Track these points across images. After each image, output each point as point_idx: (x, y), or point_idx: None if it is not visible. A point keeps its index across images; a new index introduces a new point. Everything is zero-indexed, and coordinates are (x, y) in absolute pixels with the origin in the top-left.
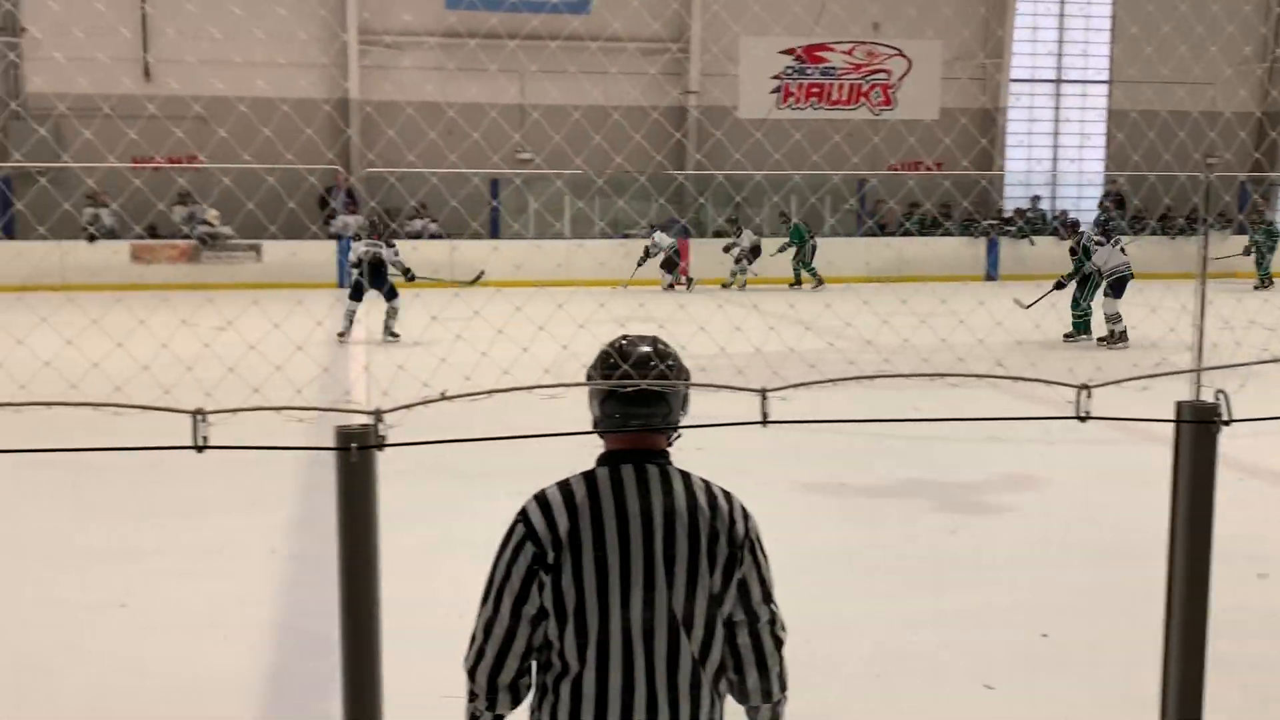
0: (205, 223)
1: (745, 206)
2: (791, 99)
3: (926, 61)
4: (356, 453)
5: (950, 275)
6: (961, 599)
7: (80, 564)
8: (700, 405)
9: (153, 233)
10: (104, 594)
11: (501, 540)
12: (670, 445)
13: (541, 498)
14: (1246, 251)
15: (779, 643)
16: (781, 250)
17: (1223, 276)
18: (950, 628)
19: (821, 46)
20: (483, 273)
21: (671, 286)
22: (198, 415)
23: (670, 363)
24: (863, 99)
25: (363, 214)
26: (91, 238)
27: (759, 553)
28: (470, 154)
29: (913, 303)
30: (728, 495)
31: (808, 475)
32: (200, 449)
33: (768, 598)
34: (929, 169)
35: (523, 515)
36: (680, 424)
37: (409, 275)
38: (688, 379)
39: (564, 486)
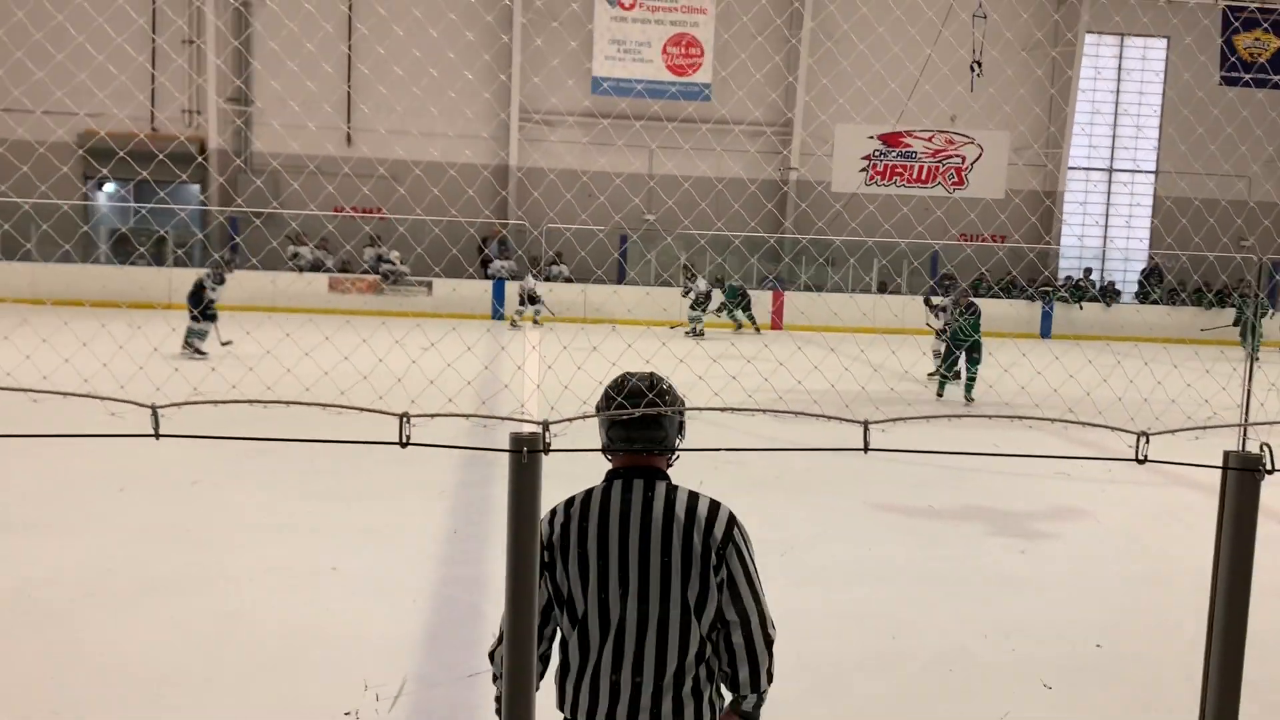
0: (389, 261)
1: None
2: (878, 177)
3: (995, 148)
4: (527, 455)
5: (1010, 333)
6: (1020, 611)
7: (302, 535)
8: (812, 432)
9: (345, 268)
10: (320, 560)
11: None
12: (670, 465)
13: (554, 508)
14: (1236, 323)
15: (769, 641)
16: (722, 307)
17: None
18: (1012, 635)
19: (905, 133)
20: (231, 342)
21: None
22: (404, 418)
23: (665, 397)
24: (939, 179)
25: (514, 261)
26: (301, 269)
27: (744, 558)
28: (603, 212)
29: (993, 356)
30: (713, 506)
31: (892, 497)
32: (404, 445)
33: (757, 600)
34: (992, 240)
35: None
36: (676, 447)
37: (211, 312)
38: (683, 406)
39: (570, 498)
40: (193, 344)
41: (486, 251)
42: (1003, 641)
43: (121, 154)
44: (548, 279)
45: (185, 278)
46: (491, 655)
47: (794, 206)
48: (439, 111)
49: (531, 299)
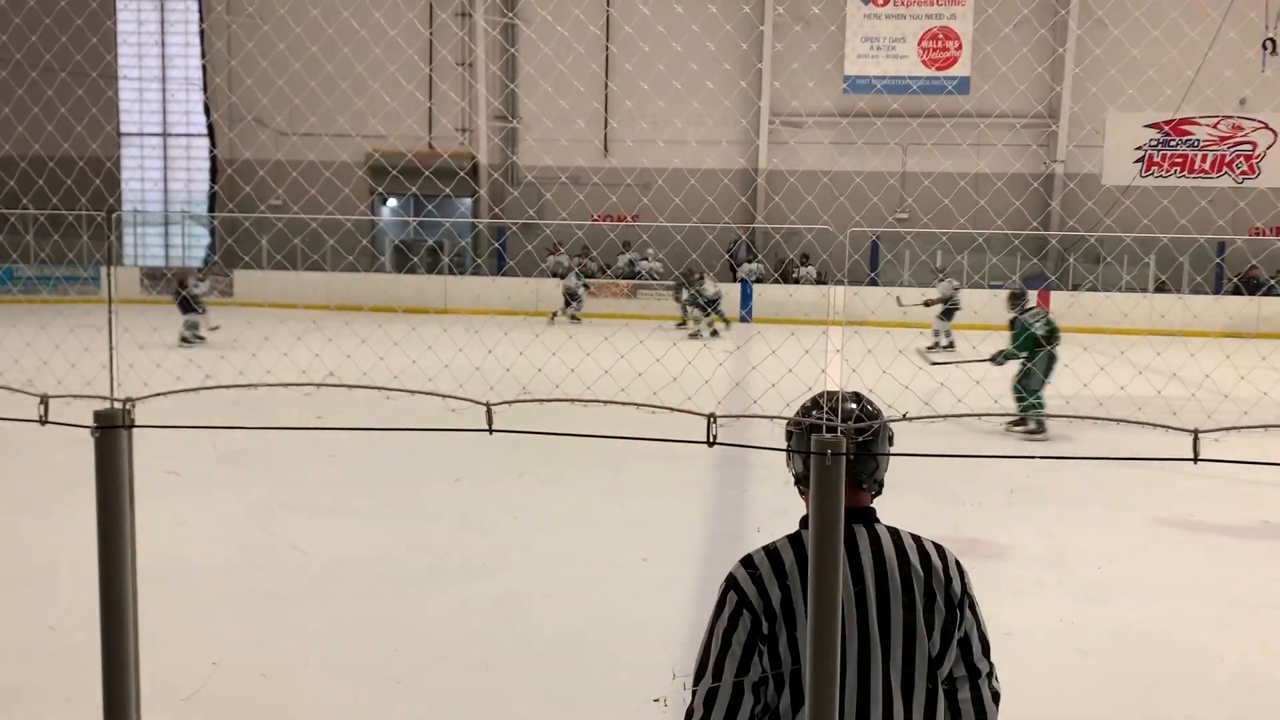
0: (645, 259)
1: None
2: (1155, 168)
3: None
4: (830, 458)
5: None
6: None
7: (616, 526)
8: (1131, 440)
9: (603, 272)
10: (633, 553)
11: (715, 608)
12: (872, 502)
13: (751, 565)
14: None
15: (997, 696)
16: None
17: None
18: None
19: (1187, 121)
20: (219, 326)
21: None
22: (711, 418)
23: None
24: (1226, 168)
25: (766, 262)
26: (560, 276)
27: (977, 607)
28: (856, 212)
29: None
30: (941, 551)
31: (1180, 511)
32: (711, 444)
33: (987, 652)
34: None
35: (734, 584)
36: (884, 482)
37: (200, 307)
38: (891, 436)
39: (772, 554)
40: (188, 334)
41: (730, 255)
42: None
43: (376, 172)
44: (796, 281)
45: (458, 285)
46: None
47: (1058, 201)
48: (688, 118)
49: (572, 297)
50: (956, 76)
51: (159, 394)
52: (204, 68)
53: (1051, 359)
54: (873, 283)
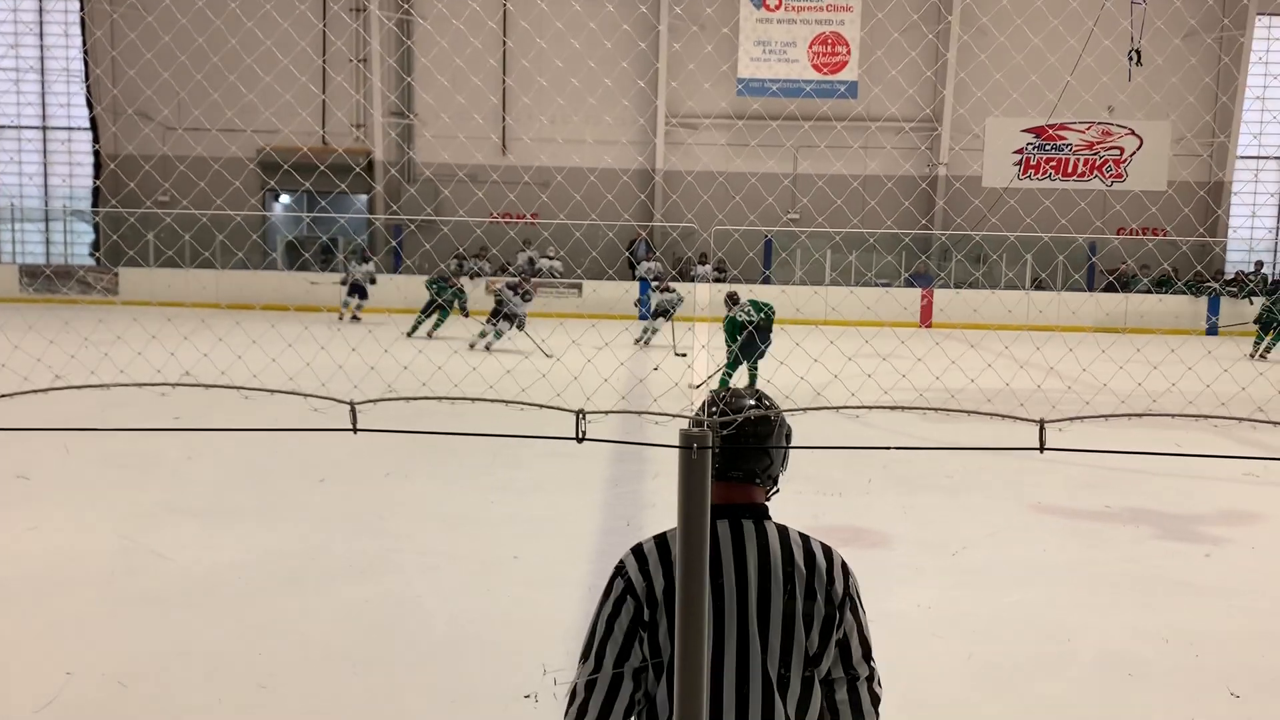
0: (548, 256)
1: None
2: (1031, 170)
3: (1156, 139)
4: (696, 452)
5: (1174, 329)
6: (1202, 617)
7: (485, 525)
8: (982, 432)
9: (501, 272)
10: (503, 549)
11: (603, 593)
12: (769, 499)
13: (639, 553)
14: None
15: (876, 699)
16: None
17: None
18: (1194, 641)
19: (1061, 126)
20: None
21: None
22: (580, 414)
23: (770, 418)
24: (1096, 172)
25: (662, 261)
26: (464, 276)
27: (859, 610)
28: (752, 213)
29: (1145, 352)
30: (827, 551)
31: (1055, 499)
32: (580, 440)
33: (868, 655)
34: (1155, 234)
35: (621, 570)
36: (779, 479)
37: None
38: (788, 434)
39: (661, 542)
40: None
41: (630, 253)
42: (1185, 648)
43: (286, 166)
44: (694, 279)
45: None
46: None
47: (942, 201)
48: (588, 118)
49: (356, 291)
50: (845, 81)
51: (3, 395)
52: (85, 59)
53: (753, 343)
54: (766, 280)
